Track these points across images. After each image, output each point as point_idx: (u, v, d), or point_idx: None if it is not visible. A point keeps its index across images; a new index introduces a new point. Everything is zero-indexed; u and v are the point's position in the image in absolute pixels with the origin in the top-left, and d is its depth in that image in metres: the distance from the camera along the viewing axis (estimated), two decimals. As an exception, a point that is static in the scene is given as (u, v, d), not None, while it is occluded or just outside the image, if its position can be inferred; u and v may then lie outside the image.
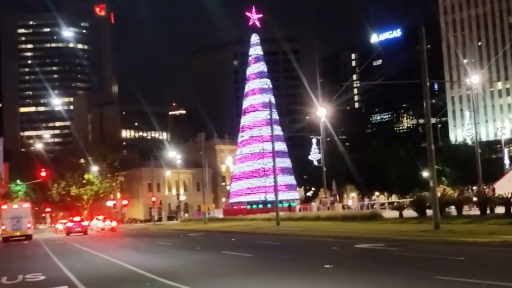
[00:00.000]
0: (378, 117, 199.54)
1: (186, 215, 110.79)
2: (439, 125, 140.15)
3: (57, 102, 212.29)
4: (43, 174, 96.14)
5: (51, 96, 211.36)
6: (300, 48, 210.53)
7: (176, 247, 31.36)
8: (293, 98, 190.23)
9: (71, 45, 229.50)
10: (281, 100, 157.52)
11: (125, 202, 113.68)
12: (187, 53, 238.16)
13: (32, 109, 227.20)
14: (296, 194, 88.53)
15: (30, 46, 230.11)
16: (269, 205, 75.81)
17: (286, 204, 78.97)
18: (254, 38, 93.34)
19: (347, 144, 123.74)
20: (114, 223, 75.92)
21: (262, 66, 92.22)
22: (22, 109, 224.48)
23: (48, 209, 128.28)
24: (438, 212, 29.68)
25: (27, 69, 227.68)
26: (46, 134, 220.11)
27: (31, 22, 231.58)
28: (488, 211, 37.54)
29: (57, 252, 30.57)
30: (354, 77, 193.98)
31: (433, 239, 24.53)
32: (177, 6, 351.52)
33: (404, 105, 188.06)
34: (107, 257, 25.20)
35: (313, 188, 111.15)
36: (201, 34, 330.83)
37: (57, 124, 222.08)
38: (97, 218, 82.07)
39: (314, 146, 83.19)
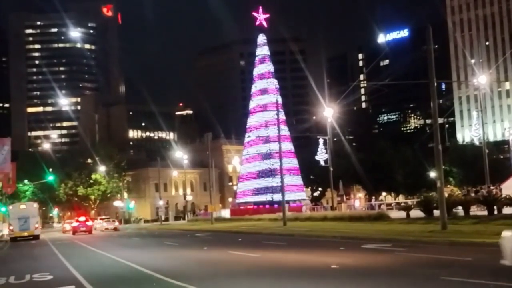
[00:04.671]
0: (385, 117, 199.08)
1: (196, 214, 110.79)
2: (447, 125, 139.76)
3: (64, 102, 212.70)
4: (51, 178, 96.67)
5: (58, 96, 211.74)
6: (307, 48, 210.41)
7: (183, 247, 31.39)
8: (300, 98, 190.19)
9: (78, 45, 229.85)
10: (288, 100, 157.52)
11: (132, 202, 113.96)
12: (194, 53, 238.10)
13: (40, 109, 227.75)
14: (303, 194, 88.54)
15: (37, 46, 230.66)
16: (275, 205, 75.86)
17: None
18: (261, 38, 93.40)
19: (354, 144, 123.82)
20: (117, 223, 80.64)
21: (269, 66, 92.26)
22: (30, 109, 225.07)
23: (55, 209, 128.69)
24: (445, 213, 29.62)
25: (34, 69, 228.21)
26: (54, 134, 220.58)
27: (38, 23, 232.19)
28: (495, 212, 37.47)
29: (64, 252, 30.65)
30: (361, 77, 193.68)
31: (440, 239, 24.48)
32: (183, 6, 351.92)
33: (411, 105, 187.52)
34: (113, 257, 25.25)
35: (320, 188, 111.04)
36: (208, 34, 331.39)
37: (64, 124, 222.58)
38: (100, 219, 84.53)
39: (321, 146, 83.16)
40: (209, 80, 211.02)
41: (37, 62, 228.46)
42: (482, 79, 65.56)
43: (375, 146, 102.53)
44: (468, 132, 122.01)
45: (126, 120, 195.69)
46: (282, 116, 78.53)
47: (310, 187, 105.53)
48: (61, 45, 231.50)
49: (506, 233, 14.98)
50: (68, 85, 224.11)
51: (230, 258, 22.62)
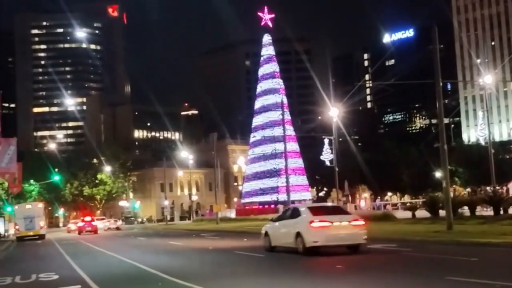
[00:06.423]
0: (391, 117, 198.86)
1: (202, 214, 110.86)
2: (452, 125, 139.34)
3: (70, 102, 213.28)
4: (57, 178, 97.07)
5: (64, 96, 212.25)
6: (312, 48, 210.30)
7: (188, 247, 31.40)
8: (305, 98, 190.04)
9: (84, 45, 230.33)
10: (293, 100, 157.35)
11: (137, 202, 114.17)
12: (199, 53, 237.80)
13: (46, 109, 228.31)
14: (308, 195, 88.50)
15: (43, 46, 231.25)
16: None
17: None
18: (266, 38, 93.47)
19: (359, 144, 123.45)
20: (119, 223, 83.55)
21: (274, 66, 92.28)
22: (36, 109, 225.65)
23: (61, 209, 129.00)
24: (451, 213, 29.56)
25: (40, 70, 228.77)
26: (59, 134, 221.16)
27: (44, 23, 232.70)
28: (501, 212, 37.40)
29: (70, 252, 30.71)
30: (367, 77, 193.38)
31: (446, 239, 24.45)
32: (189, 6, 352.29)
33: (416, 105, 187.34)
34: (119, 257, 25.29)
35: (325, 188, 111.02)
36: (213, 34, 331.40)
37: (70, 124, 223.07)
38: (97, 219, 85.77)
39: (326, 146, 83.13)
40: (214, 80, 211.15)
41: (43, 62, 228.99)
42: (487, 79, 65.46)
43: (381, 146, 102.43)
44: (474, 132, 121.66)
45: (132, 120, 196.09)
46: (287, 116, 78.53)
47: (315, 187, 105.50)
48: (66, 45, 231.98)
49: (263, 228, 24.83)
50: (74, 85, 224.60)
51: (236, 258, 22.64)
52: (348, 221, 20.79)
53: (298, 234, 21.02)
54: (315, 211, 21.73)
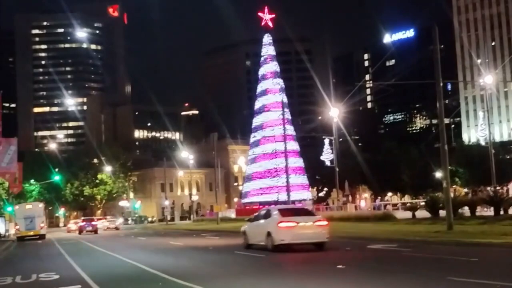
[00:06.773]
0: (391, 117, 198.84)
1: (202, 214, 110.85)
2: (453, 126, 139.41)
3: (70, 102, 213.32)
4: (57, 178, 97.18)
5: (64, 96, 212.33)
6: (312, 48, 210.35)
7: (188, 247, 31.40)
8: (306, 98, 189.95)
9: (84, 45, 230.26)
10: (294, 100, 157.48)
11: (138, 202, 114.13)
12: (200, 53, 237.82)
13: (46, 109, 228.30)
14: (309, 194, 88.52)
15: (44, 46, 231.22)
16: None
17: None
18: (267, 38, 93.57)
19: (359, 144, 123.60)
20: (118, 223, 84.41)
21: (274, 66, 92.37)
22: (36, 109, 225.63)
23: (62, 209, 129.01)
24: (451, 213, 29.56)
25: (41, 70, 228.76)
26: (60, 134, 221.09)
27: (45, 23, 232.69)
28: (501, 212, 37.40)
29: (70, 252, 30.71)
30: (367, 77, 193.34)
31: (446, 240, 24.44)
32: (189, 6, 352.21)
33: (417, 105, 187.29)
34: (119, 257, 25.29)
35: (325, 188, 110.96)
36: (214, 34, 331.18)
37: (71, 124, 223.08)
38: (96, 220, 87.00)
39: (326, 146, 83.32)
40: (215, 80, 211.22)
41: (43, 62, 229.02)
42: (488, 79, 65.45)
43: (381, 146, 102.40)
44: (474, 132, 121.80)
45: (132, 120, 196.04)
46: (288, 116, 78.61)
47: (315, 187, 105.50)
48: (67, 45, 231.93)
49: (242, 227, 27.52)
50: (74, 85, 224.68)
51: (236, 258, 22.65)
52: (313, 222, 23.11)
53: (269, 233, 23.44)
54: (284, 212, 24.19)
